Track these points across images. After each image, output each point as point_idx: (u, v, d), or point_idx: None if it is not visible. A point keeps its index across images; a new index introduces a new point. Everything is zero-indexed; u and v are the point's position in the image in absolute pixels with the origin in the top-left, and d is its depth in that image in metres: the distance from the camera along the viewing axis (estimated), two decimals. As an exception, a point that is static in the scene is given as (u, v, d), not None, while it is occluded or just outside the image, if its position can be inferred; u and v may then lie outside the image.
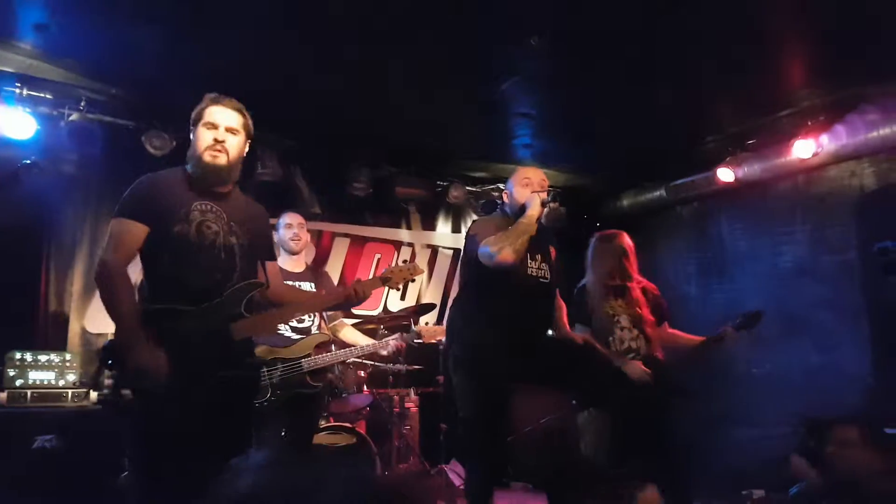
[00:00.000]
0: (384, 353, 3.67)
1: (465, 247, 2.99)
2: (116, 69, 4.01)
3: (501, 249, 2.66)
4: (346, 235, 5.74)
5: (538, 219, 2.85)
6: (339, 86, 4.21)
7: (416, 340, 4.91)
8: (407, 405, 4.76)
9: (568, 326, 3.22)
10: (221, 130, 2.21)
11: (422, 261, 5.96)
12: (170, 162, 2.45)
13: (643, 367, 3.22)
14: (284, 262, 3.47)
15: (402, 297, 5.82)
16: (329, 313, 3.65)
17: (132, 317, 2.07)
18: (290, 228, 3.54)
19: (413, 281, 2.57)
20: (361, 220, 5.80)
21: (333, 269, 5.59)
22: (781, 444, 3.58)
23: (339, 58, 3.82)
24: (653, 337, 3.42)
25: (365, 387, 4.37)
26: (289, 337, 3.32)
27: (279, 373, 3.17)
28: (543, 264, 2.93)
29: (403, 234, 6.02)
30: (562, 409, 4.45)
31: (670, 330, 3.63)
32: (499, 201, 3.69)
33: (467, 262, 2.96)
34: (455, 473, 4.38)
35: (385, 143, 5.19)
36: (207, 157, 2.19)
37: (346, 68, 3.97)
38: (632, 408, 3.06)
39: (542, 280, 2.91)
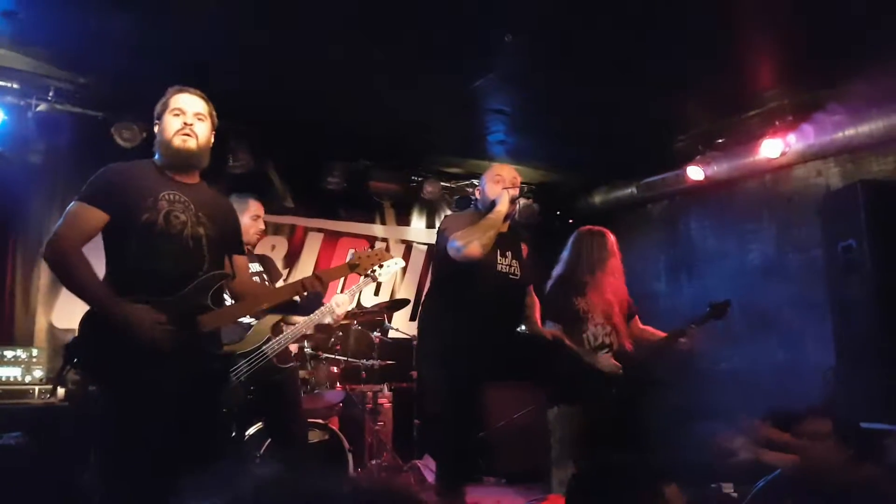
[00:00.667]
0: (339, 312, 3.31)
1: (436, 242, 3.00)
2: (86, 59, 3.93)
3: (468, 243, 2.68)
4: (319, 230, 5.71)
5: (508, 215, 2.87)
6: (315, 81, 4.18)
7: (389, 332, 4.85)
8: (380, 401, 4.75)
9: (540, 322, 3.24)
10: (190, 115, 2.19)
11: (396, 256, 5.94)
12: (139, 154, 2.40)
13: (613, 360, 3.29)
14: None
15: (377, 293, 5.82)
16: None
17: (101, 285, 2.01)
18: (257, 221, 3.26)
19: (382, 266, 2.47)
20: (335, 214, 5.77)
21: (306, 265, 5.57)
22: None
23: (315, 53, 3.79)
24: (624, 332, 3.48)
25: (338, 383, 4.36)
26: (248, 325, 3.09)
27: (245, 369, 2.98)
28: (514, 261, 2.95)
29: (378, 230, 6.01)
30: (532, 404, 4.51)
31: (641, 326, 3.69)
32: (473, 197, 3.70)
33: (438, 257, 2.97)
34: (428, 469, 4.41)
35: (360, 138, 5.17)
36: (178, 141, 2.16)
37: (323, 64, 3.94)
38: (602, 403, 3.11)
39: (511, 277, 2.93)
